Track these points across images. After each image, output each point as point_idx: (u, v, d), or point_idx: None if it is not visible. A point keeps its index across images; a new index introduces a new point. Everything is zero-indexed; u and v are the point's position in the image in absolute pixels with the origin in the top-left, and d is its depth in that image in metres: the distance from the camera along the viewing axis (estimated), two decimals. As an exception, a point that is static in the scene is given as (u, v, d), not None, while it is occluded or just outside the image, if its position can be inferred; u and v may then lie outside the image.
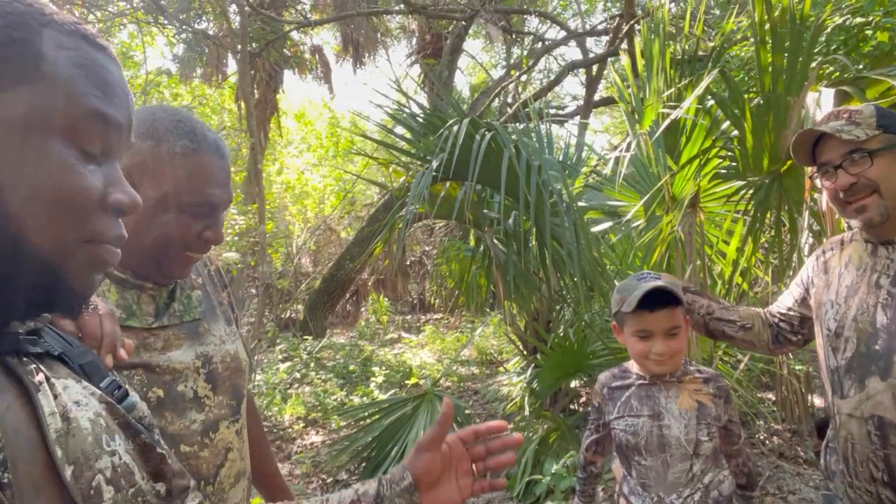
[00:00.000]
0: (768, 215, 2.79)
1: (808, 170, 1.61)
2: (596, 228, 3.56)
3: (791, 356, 4.24)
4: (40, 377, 0.56)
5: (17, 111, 0.50)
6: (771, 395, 4.85)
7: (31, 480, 0.50)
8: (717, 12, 6.72)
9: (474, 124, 3.09)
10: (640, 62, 3.35)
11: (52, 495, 0.51)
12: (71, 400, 0.57)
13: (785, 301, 1.74)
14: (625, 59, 3.86)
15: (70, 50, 0.54)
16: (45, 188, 0.50)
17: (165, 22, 8.58)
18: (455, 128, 2.97)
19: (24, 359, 0.57)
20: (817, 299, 1.58)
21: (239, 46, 6.83)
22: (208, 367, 1.11)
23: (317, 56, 11.11)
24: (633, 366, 1.75)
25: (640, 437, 1.65)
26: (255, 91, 9.60)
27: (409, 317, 11.38)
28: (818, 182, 1.49)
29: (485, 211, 3.71)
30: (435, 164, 2.97)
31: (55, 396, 0.56)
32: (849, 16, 3.06)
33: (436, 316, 11.10)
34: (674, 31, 3.54)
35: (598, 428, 1.80)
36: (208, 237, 1.06)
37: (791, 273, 2.93)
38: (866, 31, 3.02)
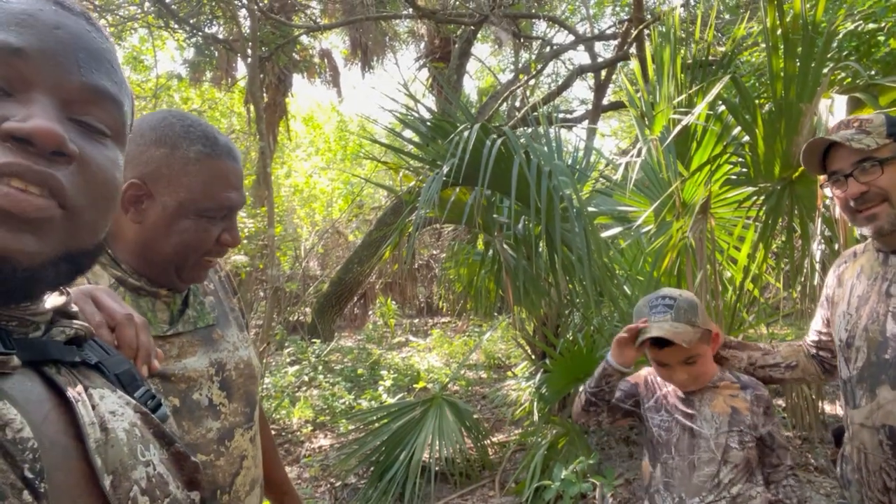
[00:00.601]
0: (780, 221, 2.78)
1: (820, 178, 1.61)
2: (605, 234, 3.55)
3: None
4: (79, 387, 0.56)
5: None
6: (781, 402, 4.82)
7: (67, 490, 0.50)
8: (727, 16, 6.71)
9: (485, 129, 3.10)
10: (651, 67, 3.35)
11: None
12: (108, 410, 0.57)
13: (815, 327, 1.72)
14: (634, 64, 3.86)
15: None
16: None
17: (176, 26, 8.64)
18: (465, 133, 2.98)
19: (63, 368, 0.57)
20: (833, 311, 1.58)
21: (249, 50, 6.88)
22: (222, 374, 1.10)
23: (325, 60, 11.17)
24: None
25: (672, 434, 1.64)
26: (265, 94, 9.66)
27: (416, 320, 11.39)
28: (828, 191, 1.49)
29: (494, 216, 3.71)
30: (445, 169, 2.98)
31: (93, 407, 0.56)
32: (861, 22, 3.05)
33: (443, 320, 11.10)
34: (684, 36, 3.54)
35: (623, 399, 1.76)
36: (226, 240, 1.06)
37: (802, 279, 2.92)
38: (878, 37, 3.01)
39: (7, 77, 0.49)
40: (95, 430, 0.54)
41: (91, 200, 0.53)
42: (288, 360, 7.38)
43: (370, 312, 10.57)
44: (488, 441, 4.44)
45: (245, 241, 7.30)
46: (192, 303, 1.12)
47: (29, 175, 0.48)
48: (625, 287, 3.57)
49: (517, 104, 9.59)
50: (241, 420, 1.12)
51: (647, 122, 3.46)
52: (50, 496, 0.47)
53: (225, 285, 1.28)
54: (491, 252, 4.06)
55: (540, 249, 3.49)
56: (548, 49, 10.29)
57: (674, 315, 1.57)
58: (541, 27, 11.60)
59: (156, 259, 1.03)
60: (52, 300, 0.60)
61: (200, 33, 9.06)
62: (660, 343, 1.58)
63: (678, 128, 2.65)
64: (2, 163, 0.47)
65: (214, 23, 9.40)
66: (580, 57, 17.20)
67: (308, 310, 9.30)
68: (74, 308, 0.63)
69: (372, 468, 3.98)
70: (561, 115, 10.81)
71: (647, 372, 1.80)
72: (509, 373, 6.81)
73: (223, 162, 1.04)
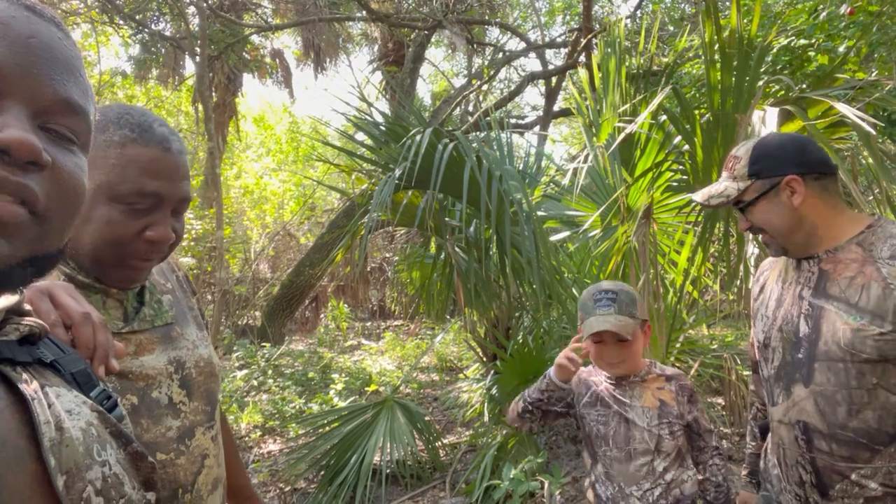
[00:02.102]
0: (717, 227, 2.91)
1: None
2: (554, 237, 3.64)
3: (739, 361, 4.40)
4: (35, 385, 0.56)
5: None
6: (721, 400, 5.01)
7: (17, 491, 0.49)
8: (672, 28, 6.95)
9: (437, 134, 3.13)
10: (598, 76, 3.45)
11: None
12: (64, 409, 0.57)
13: (756, 352, 1.77)
14: (583, 72, 3.97)
15: None
16: None
17: (121, 22, 8.39)
18: (418, 137, 3.01)
19: (18, 366, 0.56)
20: (755, 314, 1.68)
21: (198, 48, 6.74)
22: (182, 372, 1.09)
23: (277, 60, 11.03)
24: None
25: (609, 427, 1.74)
26: (214, 94, 9.46)
27: (368, 323, 11.34)
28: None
29: (446, 219, 3.75)
30: (398, 172, 3.00)
31: (49, 405, 0.55)
32: (793, 37, 3.22)
33: (396, 322, 11.08)
34: (630, 46, 3.66)
35: (561, 398, 1.85)
36: (149, 236, 0.98)
37: (738, 282, 3.06)
38: (809, 53, 3.19)
39: None
40: (51, 428, 0.54)
41: (60, 207, 0.55)
42: (237, 364, 7.24)
43: (322, 316, 10.46)
44: (439, 443, 4.47)
45: (192, 244, 7.14)
46: (148, 301, 1.09)
47: (6, 185, 0.49)
48: (573, 289, 3.66)
49: (470, 109, 9.69)
50: (202, 419, 1.11)
51: (594, 130, 3.56)
52: (1, 497, 0.47)
53: (183, 284, 1.26)
54: (443, 255, 4.10)
55: (491, 252, 3.55)
56: (500, 55, 10.43)
57: (617, 308, 1.69)
58: (493, 34, 11.75)
59: (78, 253, 0.98)
60: (4, 299, 0.59)
61: (147, 30, 8.82)
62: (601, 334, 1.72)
63: (622, 135, 2.74)
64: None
65: (161, 19, 9.17)
66: (532, 64, 17.47)
67: (258, 313, 9.14)
68: (27, 306, 0.63)
69: (322, 472, 3.96)
70: (513, 121, 10.96)
71: (581, 370, 1.88)
72: (461, 375, 6.86)
73: (150, 148, 0.97)
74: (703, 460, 1.77)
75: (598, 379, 1.83)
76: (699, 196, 1.55)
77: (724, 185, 1.52)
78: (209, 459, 1.10)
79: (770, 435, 1.61)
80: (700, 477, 1.77)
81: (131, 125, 0.98)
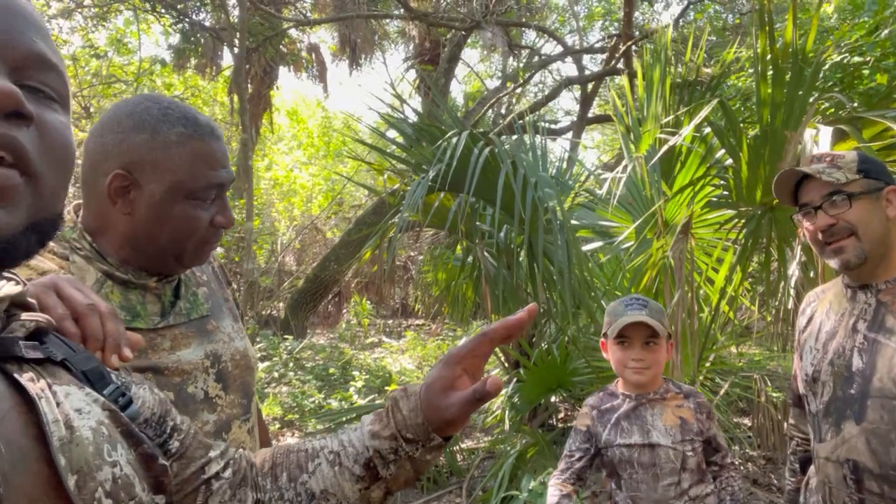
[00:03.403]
0: (758, 245, 2.82)
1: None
2: (586, 247, 3.57)
3: (768, 383, 4.29)
4: (42, 384, 0.54)
5: None
6: (747, 421, 4.89)
7: (26, 493, 0.48)
8: (714, 38, 6.82)
9: (473, 137, 3.09)
10: (641, 84, 3.38)
11: None
12: (73, 408, 0.55)
13: (799, 385, 1.69)
14: (620, 79, 3.90)
15: None
16: None
17: (163, 10, 8.51)
18: (454, 139, 2.97)
19: (25, 365, 0.55)
20: (802, 347, 1.60)
21: (237, 40, 6.80)
22: (218, 365, 1.08)
23: (313, 55, 11.08)
24: (618, 387, 1.86)
25: (633, 450, 1.75)
26: (249, 85, 9.54)
27: (390, 321, 11.34)
28: (798, 223, 1.51)
29: (477, 223, 3.71)
30: (431, 173, 2.97)
31: (58, 404, 0.54)
32: (847, 54, 3.11)
33: (417, 322, 11.07)
34: (673, 56, 3.58)
35: (588, 451, 1.83)
36: (220, 222, 1.04)
37: (776, 303, 2.97)
38: (863, 70, 3.08)
39: None
40: (60, 427, 0.52)
41: (52, 165, 0.53)
42: (259, 355, 7.29)
43: (344, 311, 10.50)
44: (457, 447, 4.43)
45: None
46: (183, 294, 1.09)
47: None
48: (602, 301, 3.59)
49: (503, 111, 9.63)
50: (239, 412, 1.10)
51: (632, 139, 3.49)
52: (7, 500, 0.45)
53: (218, 275, 1.26)
54: (471, 259, 4.06)
55: (521, 259, 3.50)
56: (536, 59, 10.36)
57: (647, 312, 1.74)
58: (530, 37, 11.67)
59: (151, 249, 1.00)
60: (6, 289, 0.57)
61: (187, 19, 8.92)
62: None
63: (665, 148, 2.67)
64: None
65: (202, 10, 9.27)
66: (567, 68, 17.32)
67: (281, 305, 9.20)
68: (32, 300, 0.61)
69: (339, 470, 3.95)
70: (545, 125, 10.87)
71: (592, 403, 1.88)
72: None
73: (206, 142, 1.01)
74: (720, 474, 1.80)
75: (614, 405, 1.83)
76: (809, 168, 1.44)
77: (829, 169, 1.43)
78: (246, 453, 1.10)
79: (814, 471, 1.54)
80: (717, 489, 1.80)
81: (181, 121, 0.99)
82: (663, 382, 1.82)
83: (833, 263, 1.44)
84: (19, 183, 0.49)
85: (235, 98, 8.51)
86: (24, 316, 0.58)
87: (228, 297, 1.24)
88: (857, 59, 3.02)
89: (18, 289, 0.58)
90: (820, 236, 1.43)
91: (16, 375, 0.52)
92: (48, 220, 0.54)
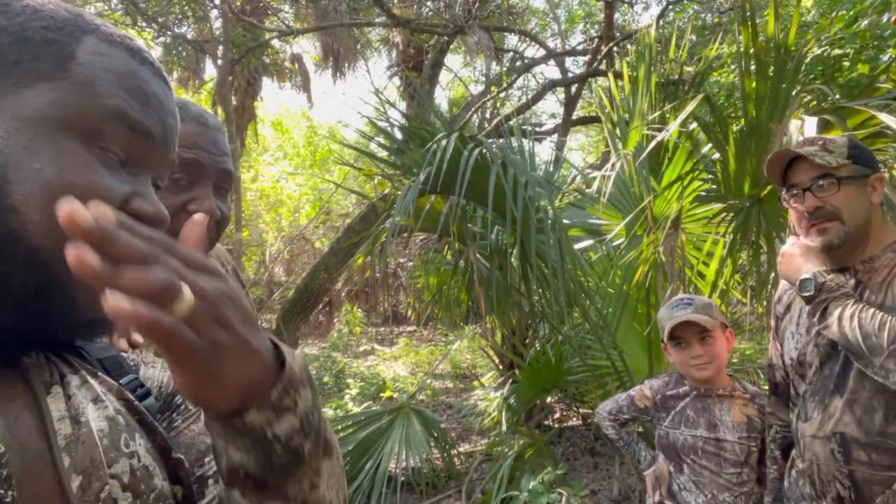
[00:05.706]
0: (747, 237, 2.84)
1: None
2: (577, 246, 3.59)
3: (761, 376, 4.32)
4: (54, 376, 0.54)
5: (34, 106, 0.49)
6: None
7: (39, 497, 0.47)
8: (694, 37, 6.89)
9: (462, 139, 3.10)
10: (627, 84, 3.41)
11: None
12: (87, 399, 0.55)
13: (775, 373, 1.74)
14: (602, 80, 3.93)
15: (107, 56, 0.53)
16: (53, 183, 0.47)
17: (144, 24, 8.46)
18: (443, 141, 2.98)
19: (40, 355, 0.54)
20: (782, 334, 1.64)
21: (220, 52, 6.77)
22: None
23: (296, 64, 11.07)
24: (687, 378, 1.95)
25: (697, 440, 1.83)
26: (233, 97, 9.51)
27: (382, 328, 11.32)
28: (786, 203, 1.54)
29: (468, 225, 3.72)
30: (422, 177, 2.97)
31: (69, 397, 0.53)
32: (827, 47, 3.16)
33: (409, 328, 11.05)
34: (657, 53, 3.61)
35: (638, 419, 2.00)
36: (194, 210, 0.94)
37: (766, 294, 2.99)
38: (843, 63, 3.13)
39: (128, 152, 0.53)
40: (66, 425, 0.51)
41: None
42: (251, 367, 7.23)
43: (335, 320, 10.46)
44: (455, 451, 4.42)
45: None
46: None
47: None
48: (595, 298, 3.61)
49: (487, 115, 9.66)
50: None
51: (619, 135, 3.51)
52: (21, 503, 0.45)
53: (233, 279, 1.24)
54: (463, 262, 4.06)
55: (513, 260, 3.51)
56: (519, 62, 10.41)
57: (693, 309, 1.80)
58: (512, 41, 11.73)
59: None
60: None
61: (170, 33, 8.89)
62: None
63: (652, 144, 2.70)
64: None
65: (184, 22, 9.24)
66: (550, 71, 17.42)
67: (272, 316, 9.14)
68: None
69: (337, 478, 3.92)
70: (530, 128, 10.92)
71: (657, 387, 1.96)
72: (475, 382, 6.81)
73: (185, 125, 0.98)
74: (762, 471, 1.87)
75: (681, 392, 1.90)
76: (802, 150, 1.47)
77: (820, 152, 1.46)
78: None
79: (797, 454, 1.58)
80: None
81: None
82: (731, 381, 1.88)
83: (816, 244, 1.48)
84: None
85: (220, 110, 8.47)
86: None
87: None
88: (837, 51, 3.08)
89: None
90: (806, 216, 1.47)
91: (26, 372, 0.52)
92: None
